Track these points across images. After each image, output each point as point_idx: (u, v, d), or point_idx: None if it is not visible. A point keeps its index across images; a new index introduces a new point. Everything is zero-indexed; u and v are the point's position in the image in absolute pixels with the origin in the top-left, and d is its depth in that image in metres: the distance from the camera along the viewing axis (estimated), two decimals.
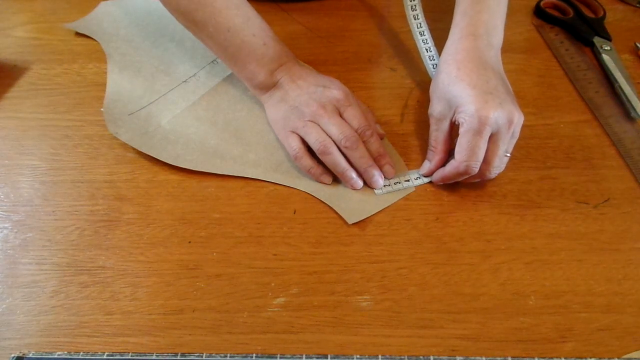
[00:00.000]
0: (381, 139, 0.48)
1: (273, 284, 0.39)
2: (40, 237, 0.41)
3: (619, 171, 0.46)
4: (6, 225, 0.42)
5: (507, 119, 0.40)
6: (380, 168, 0.45)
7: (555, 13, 0.63)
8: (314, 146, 0.44)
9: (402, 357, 0.35)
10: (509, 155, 0.43)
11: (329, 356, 0.35)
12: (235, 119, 0.50)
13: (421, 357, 0.35)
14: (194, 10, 0.45)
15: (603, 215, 0.43)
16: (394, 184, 0.45)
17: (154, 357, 0.35)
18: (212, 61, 0.55)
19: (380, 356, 0.35)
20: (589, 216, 0.43)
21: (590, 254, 0.41)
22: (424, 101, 0.52)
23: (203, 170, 0.45)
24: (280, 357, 0.35)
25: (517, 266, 0.40)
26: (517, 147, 0.44)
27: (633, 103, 0.51)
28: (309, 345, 0.36)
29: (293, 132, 0.45)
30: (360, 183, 0.44)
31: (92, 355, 0.35)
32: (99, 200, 0.44)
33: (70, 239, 0.41)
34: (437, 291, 0.39)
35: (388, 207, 0.44)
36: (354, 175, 0.44)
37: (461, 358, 0.35)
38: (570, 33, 0.60)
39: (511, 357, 0.35)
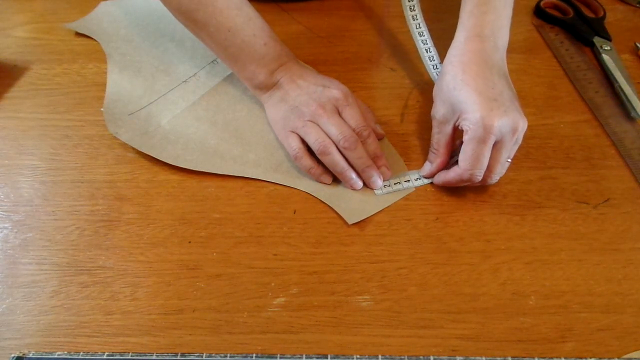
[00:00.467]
0: (381, 139, 0.48)
1: (273, 284, 0.39)
2: (40, 237, 0.41)
3: (619, 171, 0.46)
4: (6, 225, 0.42)
5: (512, 127, 0.40)
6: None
7: (555, 13, 0.63)
8: (314, 146, 0.44)
9: (402, 357, 0.35)
10: (510, 161, 0.43)
11: (329, 356, 0.35)
12: (235, 119, 0.50)
13: (421, 357, 0.35)
14: (194, 10, 0.45)
15: (603, 215, 0.43)
16: (394, 184, 0.45)
17: (154, 357, 0.35)
18: (212, 61, 0.55)
19: (380, 356, 0.35)
20: (589, 216, 0.43)
21: (590, 254, 0.41)
22: (424, 101, 0.52)
23: (203, 170, 0.45)
24: (280, 357, 0.35)
25: (517, 266, 0.40)
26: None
27: (633, 103, 0.51)
28: (309, 345, 0.36)
29: (293, 132, 0.45)
30: (360, 183, 0.44)
31: (92, 355, 0.35)
32: (99, 200, 0.44)
33: (70, 239, 0.41)
34: (437, 291, 0.39)
35: (388, 207, 0.44)
36: (353, 175, 0.44)
37: (461, 358, 0.35)
38: (570, 33, 0.60)
39: (511, 357, 0.35)
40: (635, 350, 0.36)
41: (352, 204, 0.44)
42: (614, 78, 0.53)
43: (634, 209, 0.44)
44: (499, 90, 0.41)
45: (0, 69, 0.55)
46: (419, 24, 0.51)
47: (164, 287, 0.39)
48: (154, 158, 0.46)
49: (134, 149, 0.47)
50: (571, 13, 0.61)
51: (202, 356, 0.35)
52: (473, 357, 0.35)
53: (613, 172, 0.46)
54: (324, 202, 0.44)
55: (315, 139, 0.44)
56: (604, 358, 0.35)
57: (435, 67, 0.51)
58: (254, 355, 0.35)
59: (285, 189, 0.45)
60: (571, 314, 0.37)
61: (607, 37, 0.58)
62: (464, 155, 0.41)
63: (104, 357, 0.35)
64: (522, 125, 0.41)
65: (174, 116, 0.50)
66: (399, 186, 0.45)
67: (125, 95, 0.51)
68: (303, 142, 0.45)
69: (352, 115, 0.45)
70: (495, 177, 0.42)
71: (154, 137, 0.47)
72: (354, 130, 0.44)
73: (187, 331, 0.36)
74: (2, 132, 0.49)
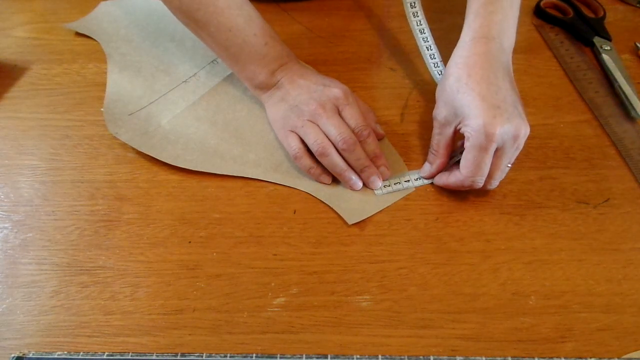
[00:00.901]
0: (381, 139, 0.48)
1: (273, 284, 0.39)
2: (40, 237, 0.41)
3: (619, 171, 0.46)
4: (6, 225, 0.42)
5: (513, 134, 0.40)
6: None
7: (555, 13, 0.63)
8: (312, 148, 0.44)
9: (402, 357, 0.35)
10: (510, 166, 0.43)
11: (329, 356, 0.35)
12: (235, 119, 0.50)
13: (421, 357, 0.35)
14: (195, 10, 0.45)
15: (603, 215, 0.43)
16: (394, 184, 0.45)
17: (154, 357, 0.35)
18: (212, 61, 0.55)
19: (380, 356, 0.35)
20: (589, 216, 0.43)
21: (590, 254, 0.41)
22: (424, 101, 0.52)
23: (203, 170, 0.45)
24: (280, 357, 0.35)
25: (517, 266, 0.40)
26: None
27: (633, 103, 0.51)
28: (309, 345, 0.36)
29: (292, 131, 0.45)
30: (359, 184, 0.44)
31: (92, 355, 0.35)
32: (99, 200, 0.44)
33: (70, 239, 0.41)
34: (437, 291, 0.39)
35: (388, 207, 0.44)
36: (352, 176, 0.44)
37: (461, 358, 0.35)
38: (570, 33, 0.60)
39: (511, 357, 0.35)
40: (635, 350, 0.36)
41: (352, 204, 0.44)
42: (614, 78, 0.53)
43: (634, 209, 0.44)
44: (502, 96, 0.41)
45: (0, 69, 0.55)
46: (420, 21, 0.51)
47: (164, 287, 0.39)
48: (154, 158, 0.46)
49: (134, 149, 0.47)
50: (571, 13, 0.61)
51: (202, 356, 0.35)
52: (473, 357, 0.35)
53: (613, 172, 0.46)
54: (324, 202, 0.44)
55: (314, 140, 0.44)
56: (604, 358, 0.35)
57: (436, 65, 0.50)
58: (254, 355, 0.35)
59: (285, 189, 0.45)
60: (571, 314, 0.37)
61: (607, 37, 0.58)
62: (465, 162, 0.41)
63: (104, 357, 0.35)
64: (524, 131, 0.40)
65: (174, 116, 0.50)
66: (399, 186, 0.45)
67: (125, 95, 0.51)
68: (303, 141, 0.45)
69: (352, 115, 0.45)
70: (495, 183, 0.42)
71: (154, 137, 0.47)
72: (353, 130, 0.44)
73: (187, 331, 0.36)
74: (2, 132, 0.49)
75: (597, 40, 0.58)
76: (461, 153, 0.42)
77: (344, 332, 0.37)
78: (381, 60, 0.57)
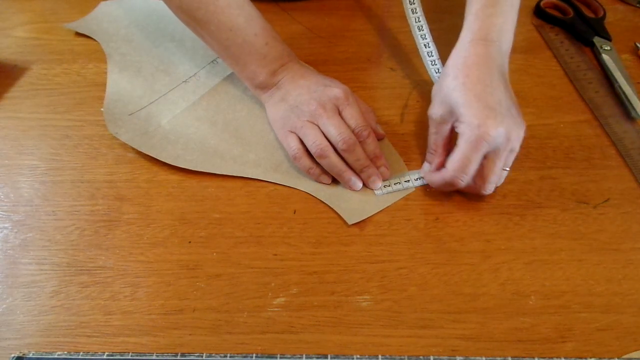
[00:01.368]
0: (381, 139, 0.48)
1: (273, 284, 0.39)
2: (40, 237, 0.41)
3: (619, 171, 0.46)
4: (6, 225, 0.42)
5: (506, 136, 0.40)
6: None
7: (555, 13, 0.63)
8: (311, 149, 0.44)
9: (402, 357, 0.35)
10: (507, 169, 0.43)
11: (329, 356, 0.35)
12: (235, 119, 0.50)
13: (421, 357, 0.35)
14: (196, 9, 0.45)
15: (603, 215, 0.43)
16: (394, 184, 0.45)
17: (154, 357, 0.35)
18: (212, 61, 0.55)
19: (380, 356, 0.35)
20: (589, 216, 0.43)
21: (590, 254, 0.41)
22: (424, 101, 0.52)
23: (203, 170, 0.45)
24: (280, 357, 0.35)
25: (517, 266, 0.40)
26: None
27: (633, 103, 0.51)
28: (309, 345, 0.36)
29: (292, 132, 0.45)
30: (359, 184, 0.44)
31: (92, 355, 0.35)
32: (99, 200, 0.44)
33: (70, 239, 0.41)
34: (437, 291, 0.39)
35: (388, 207, 0.44)
36: (351, 176, 0.44)
37: (461, 358, 0.35)
38: (570, 33, 0.60)
39: (511, 357, 0.35)
40: (635, 350, 0.36)
41: (352, 204, 0.44)
42: (614, 78, 0.53)
43: (634, 209, 0.44)
44: (497, 98, 0.41)
45: (0, 69, 0.55)
46: (418, 18, 0.51)
47: (164, 287, 0.39)
48: (154, 158, 0.46)
49: (134, 149, 0.47)
50: (571, 13, 0.61)
51: (202, 356, 0.35)
52: (473, 357, 0.35)
53: (613, 172, 0.46)
54: (324, 202, 0.44)
55: (312, 142, 0.44)
56: (604, 358, 0.35)
57: (433, 62, 0.50)
58: (254, 355, 0.35)
59: (285, 189, 0.45)
60: (571, 314, 0.37)
61: (607, 37, 0.58)
62: (453, 157, 0.41)
63: (104, 357, 0.35)
64: (517, 133, 0.41)
65: (174, 116, 0.50)
66: (398, 186, 0.45)
67: (125, 95, 0.51)
68: (302, 142, 0.45)
69: (352, 115, 0.45)
70: (490, 187, 0.42)
71: (154, 137, 0.48)
72: (353, 130, 0.44)
73: (187, 331, 0.36)
74: (2, 132, 0.49)
75: (597, 40, 0.58)
76: None
77: (344, 332, 0.37)
78: (381, 60, 0.57)
